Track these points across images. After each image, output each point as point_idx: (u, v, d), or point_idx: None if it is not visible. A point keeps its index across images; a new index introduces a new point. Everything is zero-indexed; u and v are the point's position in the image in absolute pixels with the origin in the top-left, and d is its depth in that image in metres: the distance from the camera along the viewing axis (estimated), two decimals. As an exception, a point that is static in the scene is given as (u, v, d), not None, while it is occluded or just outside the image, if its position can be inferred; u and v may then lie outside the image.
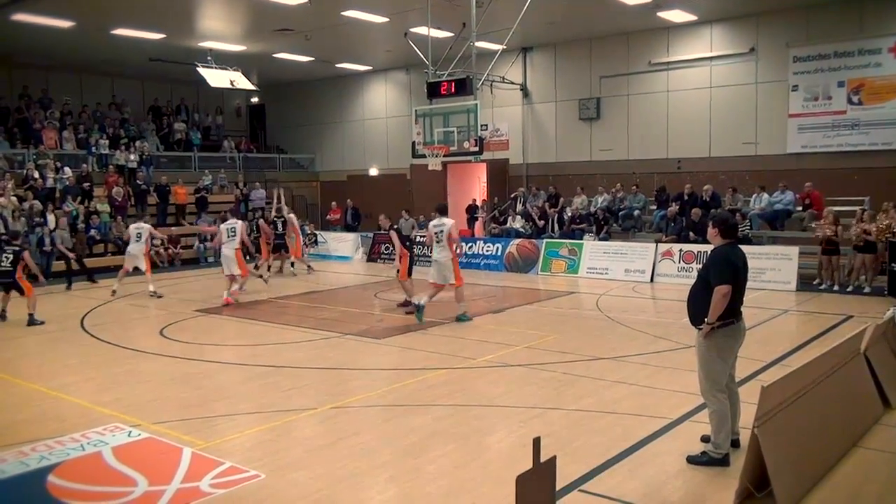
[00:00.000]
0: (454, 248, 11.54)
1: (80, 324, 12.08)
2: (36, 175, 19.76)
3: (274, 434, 6.49)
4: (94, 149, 22.51)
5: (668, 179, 19.18)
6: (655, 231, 17.86)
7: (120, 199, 20.29)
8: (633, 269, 16.19)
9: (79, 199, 19.90)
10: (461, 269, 11.85)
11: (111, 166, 21.79)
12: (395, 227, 13.16)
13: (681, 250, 15.79)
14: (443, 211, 11.87)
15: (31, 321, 11.98)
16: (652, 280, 15.79)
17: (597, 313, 12.45)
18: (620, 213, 18.75)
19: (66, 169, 20.60)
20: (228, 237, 13.95)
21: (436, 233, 11.48)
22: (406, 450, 6.02)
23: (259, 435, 6.48)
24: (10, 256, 12.12)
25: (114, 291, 14.78)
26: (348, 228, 23.01)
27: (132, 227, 15.32)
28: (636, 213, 18.66)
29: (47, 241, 17.16)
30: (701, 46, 19.12)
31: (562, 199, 19.78)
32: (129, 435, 6.42)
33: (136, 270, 15.04)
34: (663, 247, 16.11)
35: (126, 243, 15.83)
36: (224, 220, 15.47)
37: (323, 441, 6.31)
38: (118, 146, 22.91)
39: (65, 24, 17.53)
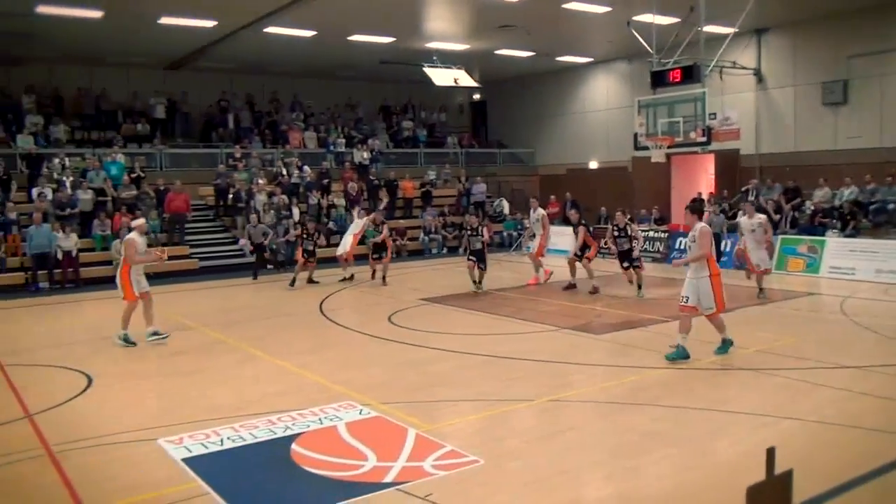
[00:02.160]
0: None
1: (319, 308, 13.21)
2: (283, 172, 21.94)
3: (492, 422, 6.64)
4: (332, 147, 24.48)
5: (930, 169, 16.92)
6: (913, 227, 15.87)
7: (354, 194, 21.84)
8: (886, 270, 14.49)
9: (319, 193, 21.74)
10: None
11: (347, 163, 23.56)
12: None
13: (946, 249, 13.89)
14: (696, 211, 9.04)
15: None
16: (908, 282, 14.04)
17: (841, 317, 11.32)
18: (871, 207, 16.92)
19: (306, 168, 22.54)
20: None
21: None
22: (623, 448, 5.87)
23: (478, 422, 6.67)
24: None
25: (344, 279, 16.57)
26: (567, 222, 22.85)
27: None
28: (890, 206, 16.68)
29: (292, 231, 18.87)
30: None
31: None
32: (360, 413, 6.89)
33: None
34: (923, 245, 14.27)
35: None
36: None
37: (540, 433, 6.36)
38: (353, 144, 24.70)
39: (308, 33, 19.25)
